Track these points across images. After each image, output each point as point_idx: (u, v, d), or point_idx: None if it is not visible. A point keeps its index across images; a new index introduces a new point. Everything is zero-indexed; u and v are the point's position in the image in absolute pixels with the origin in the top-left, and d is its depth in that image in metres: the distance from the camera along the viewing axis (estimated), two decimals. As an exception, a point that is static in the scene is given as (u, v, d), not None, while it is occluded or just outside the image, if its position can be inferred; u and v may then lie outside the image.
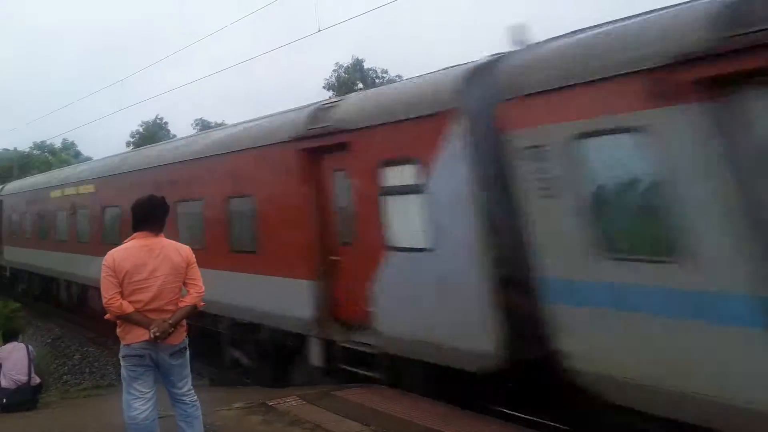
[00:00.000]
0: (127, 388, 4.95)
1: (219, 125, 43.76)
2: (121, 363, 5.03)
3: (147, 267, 4.88)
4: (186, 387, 5.12)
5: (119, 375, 14.01)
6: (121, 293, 4.83)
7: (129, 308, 4.81)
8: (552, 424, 6.23)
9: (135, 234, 5.10)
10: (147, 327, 4.76)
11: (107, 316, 4.98)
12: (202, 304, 5.18)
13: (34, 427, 6.98)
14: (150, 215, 5.14)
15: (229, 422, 6.56)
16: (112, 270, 4.86)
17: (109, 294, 4.82)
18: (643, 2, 5.80)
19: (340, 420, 6.37)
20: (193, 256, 5.22)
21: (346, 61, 54.40)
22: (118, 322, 4.95)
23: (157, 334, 4.72)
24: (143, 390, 4.91)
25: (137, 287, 4.85)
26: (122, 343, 4.96)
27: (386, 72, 53.69)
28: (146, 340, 4.78)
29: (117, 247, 5.08)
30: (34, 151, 69.78)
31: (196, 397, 5.18)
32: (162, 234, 5.17)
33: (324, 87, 52.71)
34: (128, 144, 59.72)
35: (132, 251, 4.95)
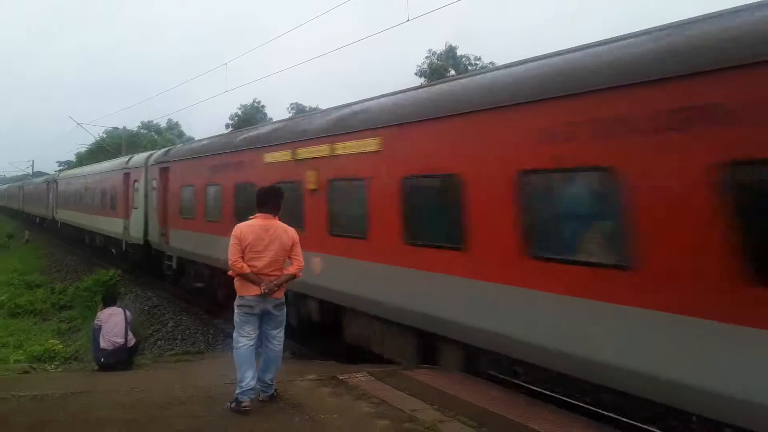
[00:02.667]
0: (237, 329, 6.42)
1: (313, 109, 44.66)
2: (235, 310, 6.44)
3: (263, 241, 6.33)
4: (277, 332, 6.55)
5: (208, 343, 14.89)
6: (243, 257, 6.26)
7: (247, 269, 6.26)
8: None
9: (257, 214, 6.55)
10: (258, 285, 6.24)
11: (230, 273, 6.41)
12: (300, 274, 6.58)
13: (126, 384, 7.55)
14: (268, 200, 6.60)
15: (301, 392, 6.88)
16: (238, 239, 6.32)
17: (234, 257, 6.28)
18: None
19: (404, 397, 6.57)
20: (297, 237, 6.60)
21: (440, 48, 54.16)
22: (236, 278, 6.38)
23: (266, 290, 6.23)
24: (248, 331, 6.38)
25: (255, 255, 6.30)
26: (238, 294, 6.40)
27: (479, 59, 53.06)
28: (257, 294, 6.25)
29: (244, 222, 6.53)
30: (142, 130, 73.54)
31: (281, 344, 6.60)
32: (277, 216, 6.60)
33: (416, 74, 52.67)
34: (227, 126, 61.77)
35: (254, 227, 6.39)
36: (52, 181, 44.62)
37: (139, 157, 23.47)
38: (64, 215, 38.20)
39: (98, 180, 29.10)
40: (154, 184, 20.14)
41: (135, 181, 22.61)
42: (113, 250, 27.16)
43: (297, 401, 6.48)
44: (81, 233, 34.07)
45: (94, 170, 31.82)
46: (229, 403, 6.30)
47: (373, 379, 7.41)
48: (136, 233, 22.11)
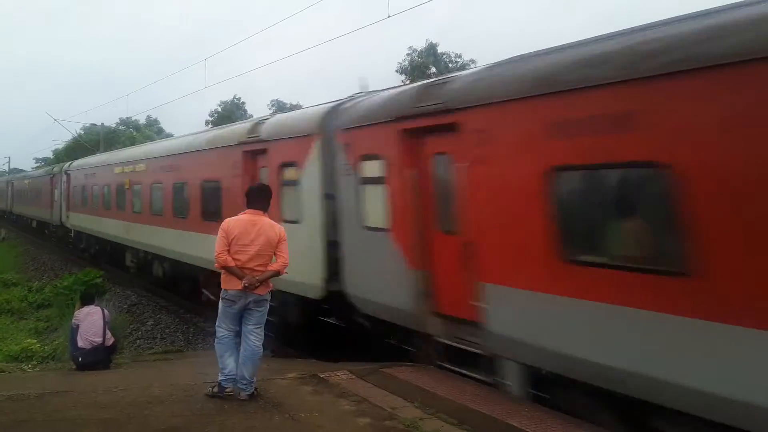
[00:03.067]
0: (220, 319, 6.65)
1: (294, 106, 44.49)
2: (220, 302, 6.64)
3: (249, 235, 6.47)
4: (256, 328, 6.63)
5: (188, 342, 14.74)
6: (228, 251, 6.41)
7: (231, 263, 6.41)
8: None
9: (247, 210, 6.73)
10: (241, 279, 6.34)
11: (216, 265, 6.59)
12: (284, 271, 6.65)
13: (105, 383, 7.49)
14: (258, 197, 6.81)
15: (281, 390, 6.86)
16: (225, 232, 6.50)
17: (220, 249, 6.44)
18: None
19: (386, 395, 6.58)
20: (285, 234, 6.71)
21: (420, 45, 54.28)
22: (222, 271, 6.53)
23: (247, 285, 6.32)
24: (229, 323, 6.62)
25: (240, 249, 6.44)
26: (222, 287, 6.55)
27: (460, 56, 53.25)
28: (239, 289, 6.38)
29: (233, 216, 6.72)
30: (120, 127, 72.78)
31: (260, 341, 6.65)
32: (266, 213, 6.75)
33: (396, 71, 52.76)
34: (207, 123, 61.39)
35: (241, 222, 6.58)
36: (59, 174, 32.86)
37: None
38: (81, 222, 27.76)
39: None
40: None
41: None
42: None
43: (277, 400, 6.46)
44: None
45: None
46: (210, 388, 6.61)
47: (354, 377, 7.41)
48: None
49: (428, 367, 7.79)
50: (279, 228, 6.73)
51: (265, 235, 6.54)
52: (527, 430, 5.48)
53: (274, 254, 6.60)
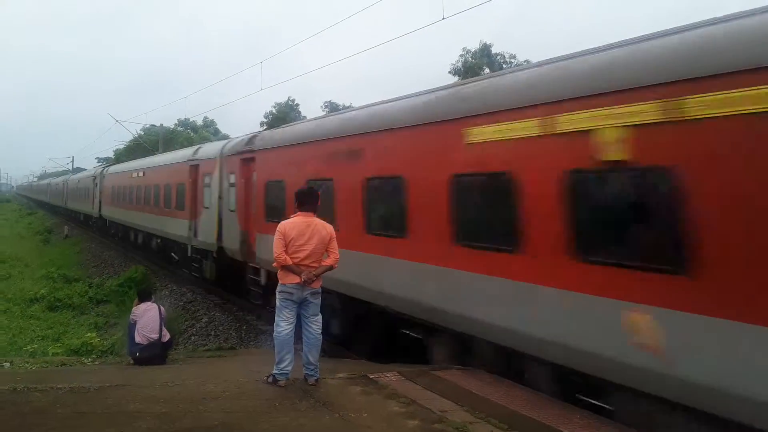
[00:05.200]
0: (278, 314, 7.12)
1: (346, 107, 44.75)
2: (277, 296, 7.16)
3: (305, 236, 7.03)
4: (314, 318, 7.21)
5: (241, 340, 15.13)
6: (286, 250, 6.97)
7: (290, 261, 6.98)
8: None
9: (298, 212, 7.28)
10: (299, 274, 6.92)
11: (274, 264, 7.14)
12: (336, 266, 7.22)
13: (161, 378, 7.67)
14: (307, 200, 7.32)
15: (331, 390, 6.92)
16: (282, 234, 7.04)
17: (278, 250, 6.99)
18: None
19: (434, 398, 6.56)
20: (334, 232, 7.29)
21: (474, 46, 53.84)
22: (279, 268, 7.08)
23: (305, 279, 6.91)
24: (287, 316, 7.08)
25: (296, 248, 7.01)
26: (280, 282, 7.10)
27: (514, 57, 52.61)
28: (297, 283, 6.96)
29: (288, 219, 7.33)
30: (179, 128, 74.62)
31: (320, 328, 7.26)
32: (316, 213, 7.30)
33: (449, 72, 52.45)
34: (261, 124, 62.25)
35: (296, 224, 7.12)
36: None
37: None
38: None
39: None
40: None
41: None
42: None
43: (327, 399, 6.52)
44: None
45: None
46: (266, 377, 7.16)
47: (403, 378, 7.42)
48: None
49: (478, 371, 7.74)
50: (329, 227, 7.27)
51: (318, 234, 7.09)
52: (579, 437, 5.39)
53: (326, 251, 7.15)
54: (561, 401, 6.48)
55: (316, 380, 7.10)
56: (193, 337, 16.31)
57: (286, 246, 7.00)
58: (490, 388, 7.01)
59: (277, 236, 7.06)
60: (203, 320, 17.44)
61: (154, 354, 9.72)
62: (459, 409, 6.16)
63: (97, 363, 11.12)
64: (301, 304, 7.13)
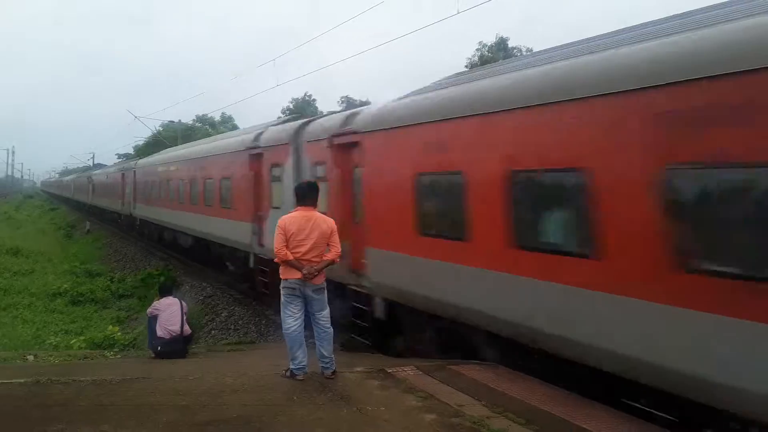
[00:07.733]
0: (284, 310, 7.13)
1: (364, 103, 44.76)
2: (281, 292, 7.13)
3: (305, 231, 6.99)
4: (322, 314, 7.16)
5: (260, 334, 15.14)
6: (287, 246, 6.93)
7: (290, 256, 6.93)
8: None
9: (298, 207, 7.23)
10: (300, 269, 6.89)
11: (275, 259, 7.12)
12: (338, 260, 7.29)
13: (181, 371, 7.76)
14: (307, 194, 7.28)
15: (349, 384, 6.95)
16: (282, 229, 7.00)
17: (279, 245, 6.96)
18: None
19: (452, 392, 6.57)
20: (336, 226, 7.25)
21: (491, 40, 53.52)
22: (281, 264, 7.05)
23: (306, 273, 6.88)
24: (293, 311, 7.08)
25: (297, 243, 6.97)
26: (282, 278, 7.08)
27: (531, 51, 52.22)
28: (298, 278, 6.95)
29: (288, 214, 7.25)
30: (197, 124, 75.08)
31: (329, 322, 7.20)
32: (315, 208, 7.25)
33: (465, 66, 52.21)
34: (278, 119, 62.45)
35: (296, 218, 7.07)
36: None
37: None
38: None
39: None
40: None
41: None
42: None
43: (345, 393, 6.55)
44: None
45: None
46: (284, 371, 7.18)
47: (420, 372, 7.43)
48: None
49: (495, 366, 7.73)
50: (330, 221, 7.26)
51: (319, 228, 7.06)
52: (597, 432, 5.37)
53: (327, 245, 7.14)
54: (580, 396, 6.44)
55: (333, 372, 7.13)
56: (213, 331, 16.43)
57: (287, 241, 6.97)
58: (507, 382, 7.00)
59: (277, 231, 7.04)
60: (223, 314, 17.55)
61: (175, 348, 9.82)
62: (477, 404, 6.16)
63: (119, 356, 11.26)
64: (305, 299, 7.11)
